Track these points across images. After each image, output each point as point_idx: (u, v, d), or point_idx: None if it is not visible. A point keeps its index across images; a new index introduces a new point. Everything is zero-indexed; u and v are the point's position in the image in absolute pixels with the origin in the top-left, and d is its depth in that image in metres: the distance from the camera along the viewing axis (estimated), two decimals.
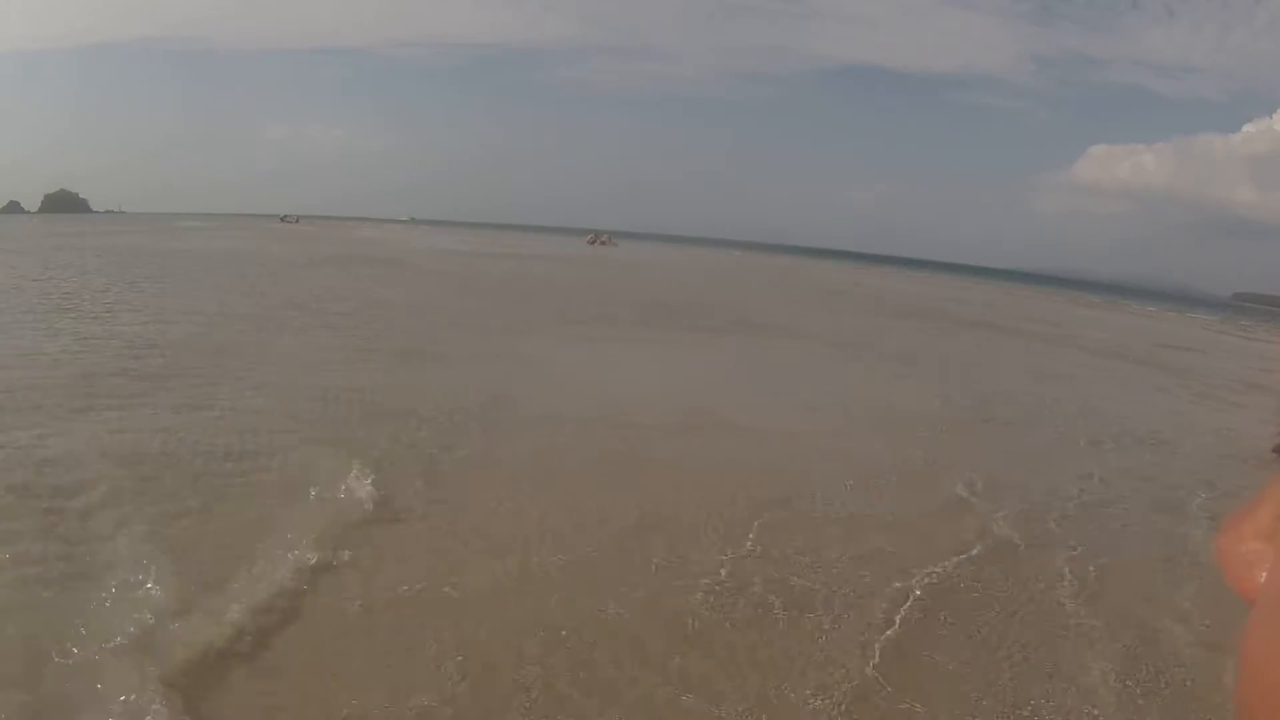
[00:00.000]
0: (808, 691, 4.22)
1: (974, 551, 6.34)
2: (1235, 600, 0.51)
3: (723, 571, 5.56)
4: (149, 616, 4.30)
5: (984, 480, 8.16)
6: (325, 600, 4.78)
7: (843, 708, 4.10)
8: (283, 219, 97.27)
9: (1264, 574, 0.48)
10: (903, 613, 5.16)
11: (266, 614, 4.51)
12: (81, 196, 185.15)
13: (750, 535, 6.24)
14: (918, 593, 5.45)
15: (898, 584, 5.55)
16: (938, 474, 8.44)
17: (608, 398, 10.66)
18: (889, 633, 4.89)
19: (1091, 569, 6.15)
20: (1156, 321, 48.64)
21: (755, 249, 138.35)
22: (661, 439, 9.00)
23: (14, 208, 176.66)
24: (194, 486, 6.31)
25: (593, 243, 78.29)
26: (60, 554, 4.99)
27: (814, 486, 7.62)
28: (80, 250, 32.26)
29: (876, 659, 4.58)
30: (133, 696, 3.66)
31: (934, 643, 4.84)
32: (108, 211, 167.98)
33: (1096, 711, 4.31)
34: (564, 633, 4.59)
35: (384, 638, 4.42)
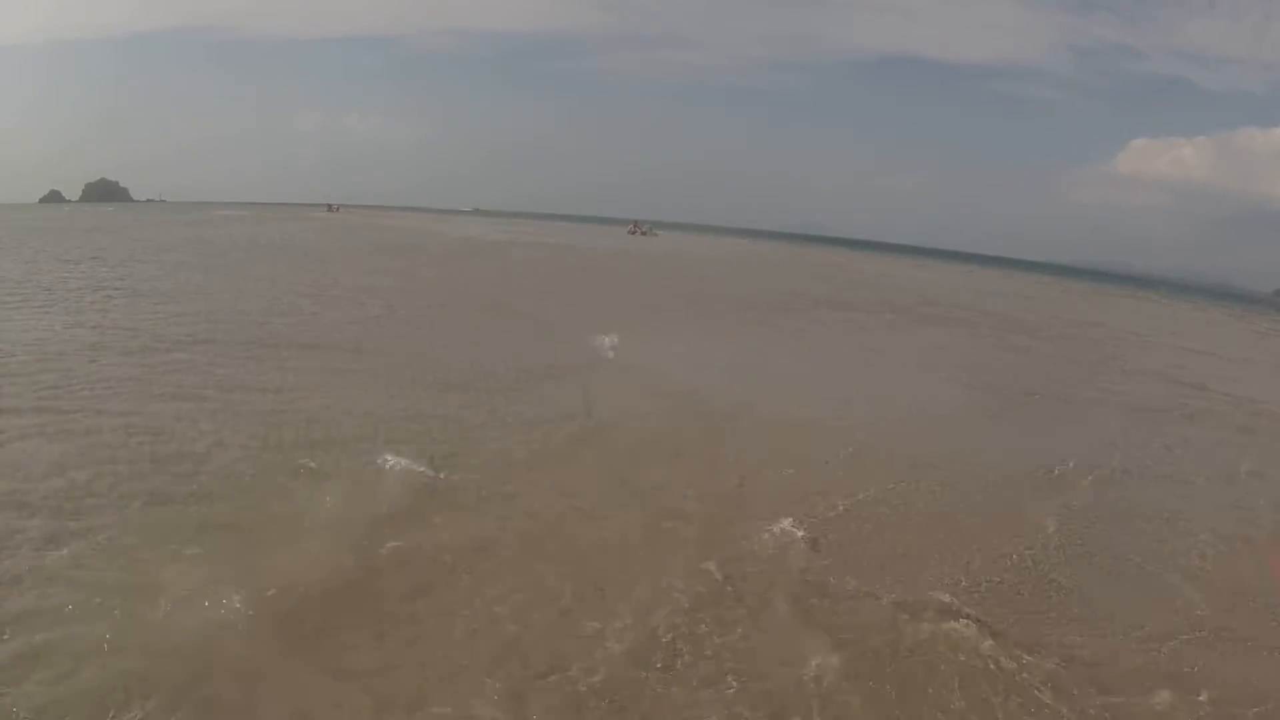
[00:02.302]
0: None
1: None
2: None
3: None
4: None
5: None
6: None
7: None
8: (329, 209, 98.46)
9: None
10: None
11: None
12: (122, 185, 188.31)
13: None
14: None
15: None
16: None
17: None
18: None
19: None
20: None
21: (791, 241, 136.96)
22: None
23: (55, 196, 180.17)
24: None
25: (633, 233, 78.28)
26: None
27: None
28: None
29: None
30: None
31: None
32: (148, 200, 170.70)
33: None
34: None
35: None
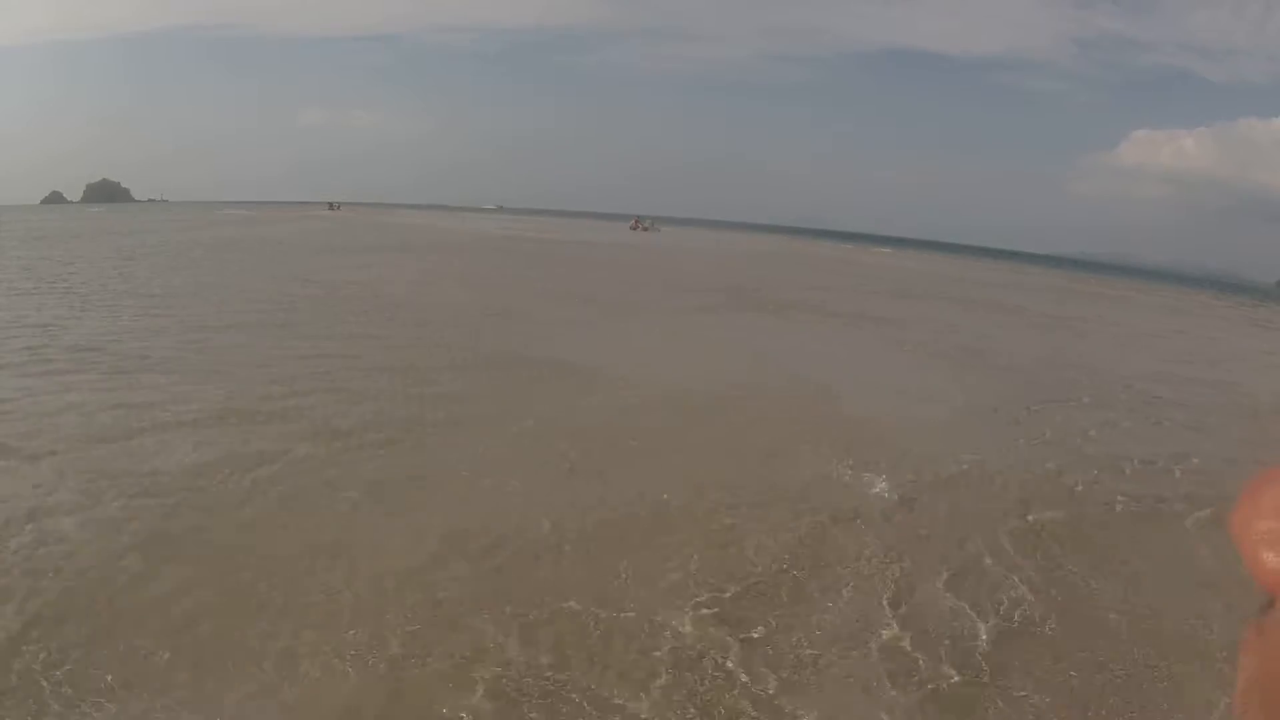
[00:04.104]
0: None
1: None
2: None
3: None
4: None
5: None
6: None
7: None
8: (330, 207, 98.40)
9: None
10: None
11: None
12: (123, 186, 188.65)
13: None
14: None
15: None
16: None
17: None
18: None
19: None
20: None
21: (795, 235, 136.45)
22: None
23: (56, 197, 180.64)
24: None
25: (634, 228, 78.28)
26: None
27: None
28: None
29: None
30: None
31: None
32: (150, 200, 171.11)
33: None
34: None
35: None
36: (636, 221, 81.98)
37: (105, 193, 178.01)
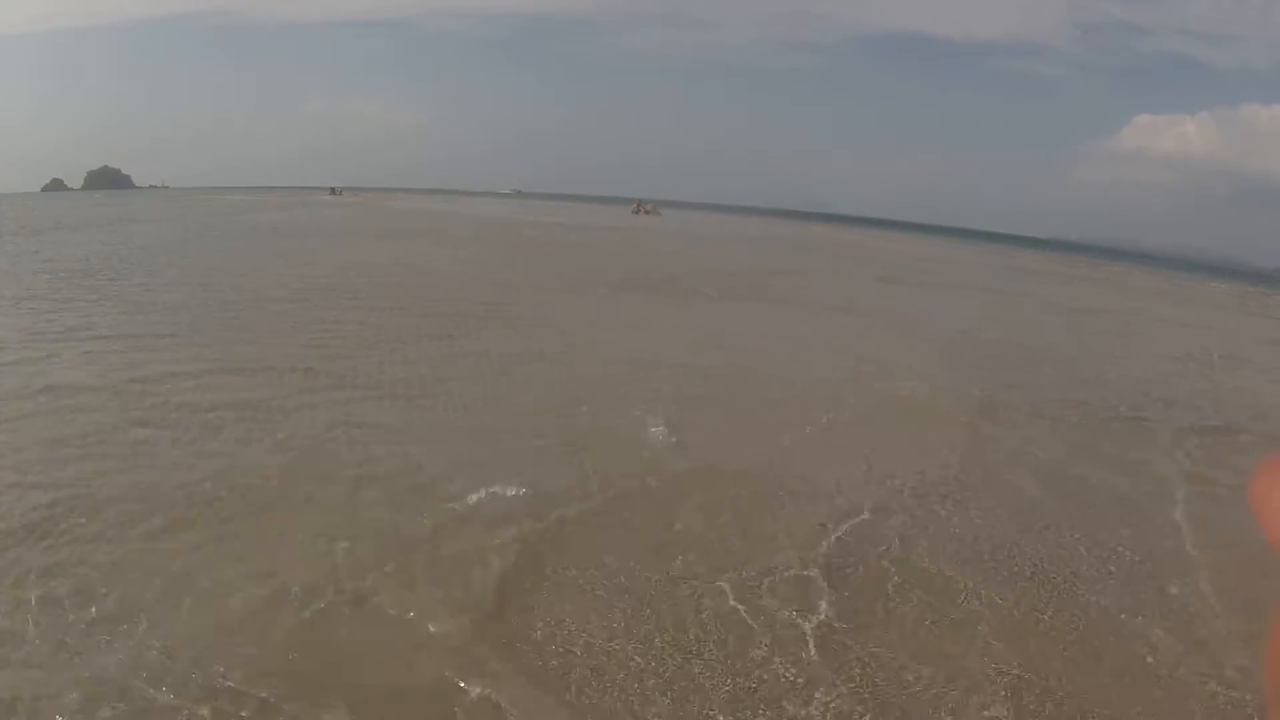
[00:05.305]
0: None
1: None
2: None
3: None
4: None
5: None
6: None
7: None
8: (332, 192, 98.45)
9: None
10: None
11: None
12: (124, 173, 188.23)
13: None
14: None
15: None
16: None
17: None
18: None
19: None
20: None
21: (803, 219, 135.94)
22: None
23: (57, 185, 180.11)
24: None
25: (637, 211, 78.92)
26: None
27: None
28: None
29: None
30: None
31: None
32: (151, 187, 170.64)
33: None
34: None
35: None
36: (639, 205, 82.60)
37: (106, 180, 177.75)
